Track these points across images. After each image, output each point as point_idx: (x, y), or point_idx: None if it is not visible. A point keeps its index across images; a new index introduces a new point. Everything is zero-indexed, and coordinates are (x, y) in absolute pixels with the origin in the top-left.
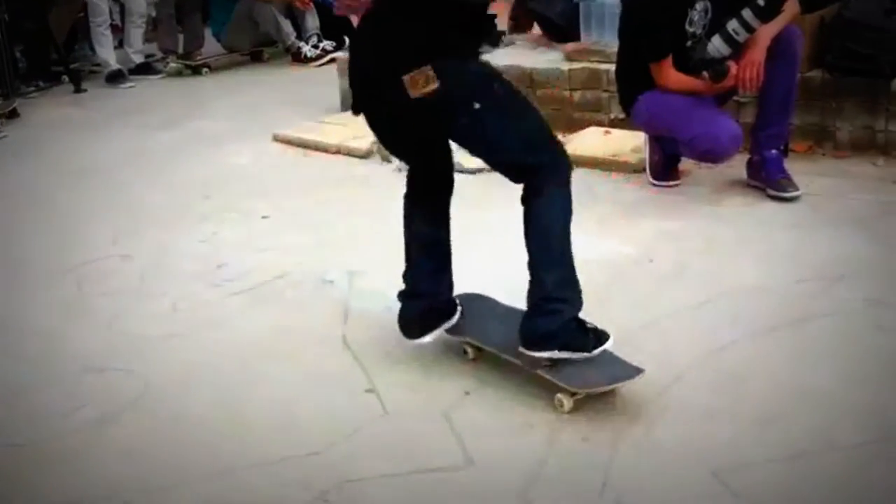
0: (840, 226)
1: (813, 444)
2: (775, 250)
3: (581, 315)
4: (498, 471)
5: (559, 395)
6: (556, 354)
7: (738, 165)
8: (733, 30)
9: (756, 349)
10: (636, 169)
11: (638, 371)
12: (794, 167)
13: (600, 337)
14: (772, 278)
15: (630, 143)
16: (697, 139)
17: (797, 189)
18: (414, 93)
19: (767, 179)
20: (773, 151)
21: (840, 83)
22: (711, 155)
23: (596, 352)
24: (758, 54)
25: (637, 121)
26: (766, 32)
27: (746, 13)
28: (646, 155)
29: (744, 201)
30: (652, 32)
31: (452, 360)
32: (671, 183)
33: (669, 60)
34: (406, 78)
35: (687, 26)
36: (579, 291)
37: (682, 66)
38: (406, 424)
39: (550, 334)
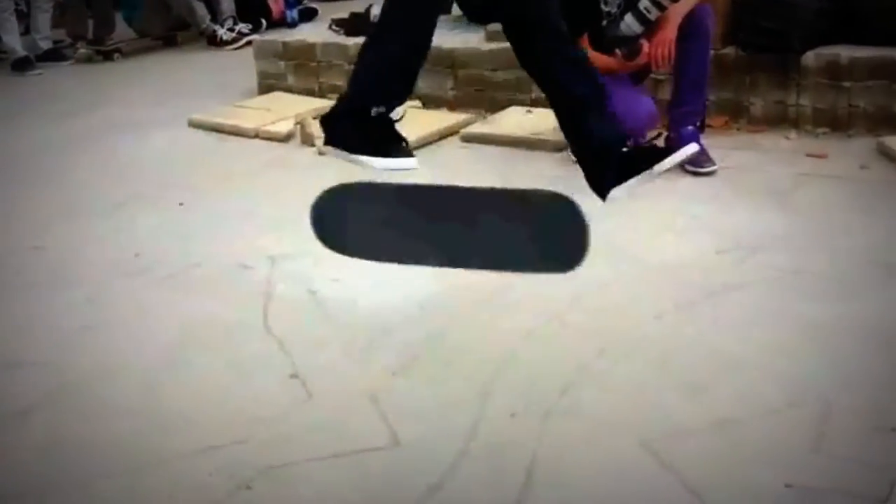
0: (757, 198)
1: (738, 411)
2: (695, 224)
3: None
4: (425, 450)
5: None
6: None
7: (657, 141)
8: (645, 8)
9: (680, 320)
10: (558, 147)
11: None
12: (711, 142)
13: None
14: (693, 251)
15: (551, 121)
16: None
17: (714, 164)
18: None
19: None
20: (690, 128)
21: (753, 59)
22: (628, 132)
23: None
24: (669, 32)
25: None
26: (678, 10)
27: None
28: None
29: (663, 176)
30: (566, 11)
31: (378, 342)
32: None
33: (584, 39)
34: None
35: (602, 5)
36: None
37: (598, 44)
38: (331, 407)
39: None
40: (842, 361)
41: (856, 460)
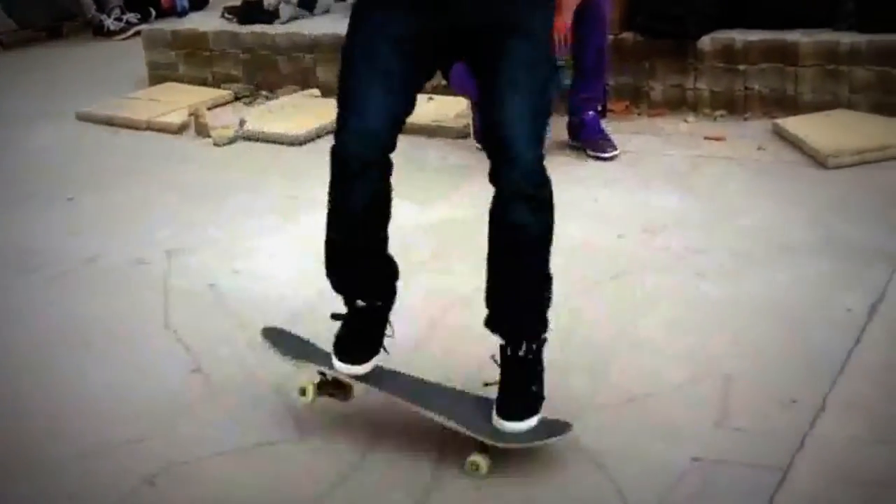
0: (657, 181)
1: (643, 388)
2: (598, 207)
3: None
4: (332, 442)
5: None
6: None
7: (559, 127)
8: None
9: (584, 303)
10: (461, 134)
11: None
12: (612, 127)
13: None
14: (596, 234)
15: (454, 108)
16: None
17: (615, 148)
18: None
19: (587, 140)
20: (591, 113)
21: (651, 44)
22: None
23: None
24: (565, 19)
25: (455, 87)
26: None
27: None
28: (469, 120)
29: (566, 160)
30: None
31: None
32: None
33: None
34: None
35: None
36: None
37: None
38: (235, 401)
39: None
40: (742, 337)
41: (758, 432)
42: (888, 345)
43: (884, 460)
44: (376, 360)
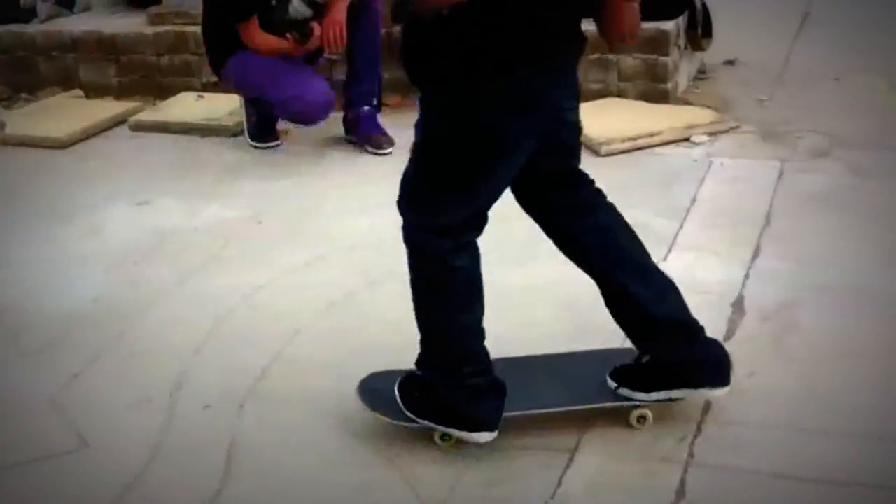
0: None
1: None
2: (379, 202)
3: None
4: (115, 449)
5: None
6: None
7: (336, 122)
8: None
9: (372, 298)
10: (234, 132)
11: None
12: (389, 120)
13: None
14: (379, 229)
15: (226, 106)
16: (290, 101)
17: (392, 143)
18: None
19: (363, 135)
20: (366, 108)
21: None
22: (304, 116)
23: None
24: (338, 14)
25: (229, 84)
26: None
27: None
28: (243, 118)
29: (344, 156)
30: None
31: (56, 343)
32: (271, 144)
33: (255, 22)
34: None
35: None
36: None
37: (269, 28)
38: (10, 415)
39: None
40: (529, 324)
41: (547, 417)
42: None
43: (663, 435)
44: None
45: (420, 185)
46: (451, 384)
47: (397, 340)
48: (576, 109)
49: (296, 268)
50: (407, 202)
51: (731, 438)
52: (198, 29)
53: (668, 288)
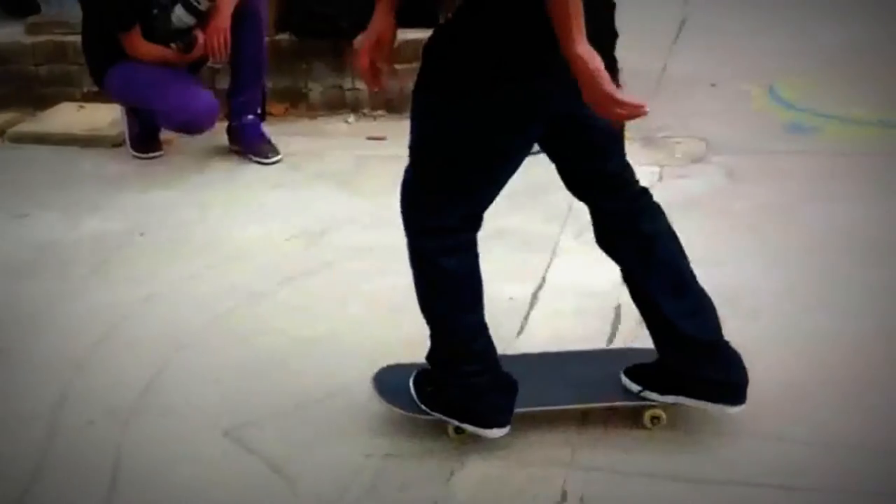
0: (321, 182)
1: (317, 390)
2: (264, 212)
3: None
4: None
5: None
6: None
7: (220, 132)
8: None
9: (257, 309)
10: (116, 143)
11: None
12: (273, 129)
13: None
14: (264, 239)
15: (107, 116)
16: (173, 111)
17: (277, 153)
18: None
19: (248, 145)
20: (250, 117)
21: (308, 45)
22: (188, 127)
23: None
24: (222, 21)
25: (111, 94)
26: (228, 0)
27: None
28: (125, 128)
29: (229, 166)
30: (113, 1)
31: None
32: (153, 154)
33: (137, 31)
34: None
35: None
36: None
37: (152, 37)
38: None
39: None
40: (410, 330)
41: (430, 423)
42: (548, 329)
43: (547, 439)
44: None
45: (416, 186)
46: (454, 381)
47: (285, 350)
48: None
49: (180, 280)
50: (405, 203)
51: (615, 441)
52: (78, 38)
53: (701, 307)
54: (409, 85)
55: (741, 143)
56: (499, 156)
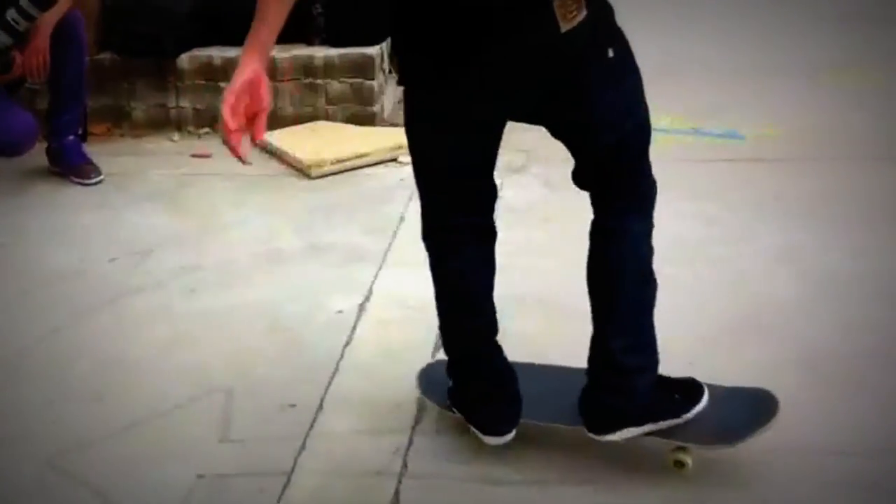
0: (145, 202)
1: (142, 412)
2: (86, 233)
3: None
4: None
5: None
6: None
7: (39, 153)
8: (12, 19)
9: (80, 331)
10: None
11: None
12: (95, 150)
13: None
14: (86, 261)
15: None
16: None
17: (100, 173)
18: (564, 25)
19: (69, 166)
20: (71, 137)
21: (130, 64)
22: (8, 148)
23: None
24: (41, 42)
25: None
26: (47, 20)
27: (23, 1)
28: None
29: (49, 189)
30: None
31: None
32: None
33: None
34: (557, 3)
35: None
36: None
37: None
38: None
39: (622, 413)
40: (241, 349)
41: (261, 440)
42: (376, 340)
43: (377, 448)
44: None
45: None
46: (457, 386)
47: (111, 372)
48: (570, 110)
49: (7, 300)
50: None
51: (445, 446)
52: None
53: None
54: None
55: (556, 154)
56: (438, 158)
